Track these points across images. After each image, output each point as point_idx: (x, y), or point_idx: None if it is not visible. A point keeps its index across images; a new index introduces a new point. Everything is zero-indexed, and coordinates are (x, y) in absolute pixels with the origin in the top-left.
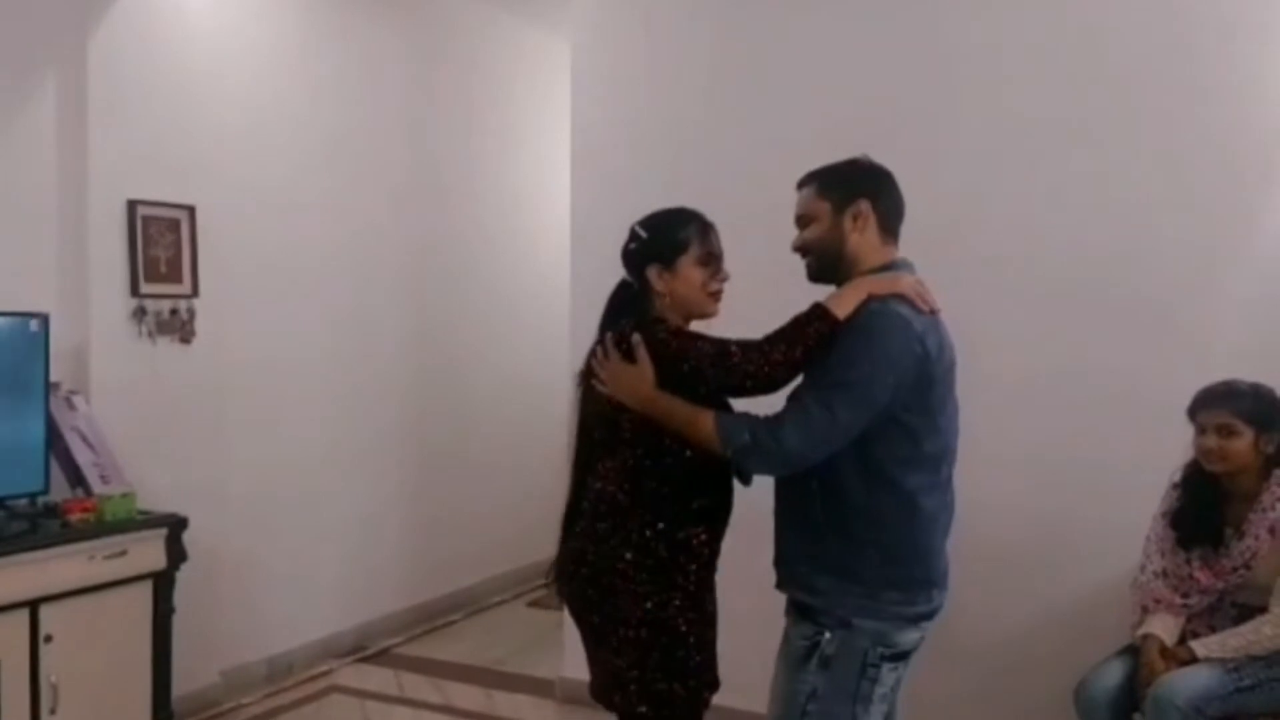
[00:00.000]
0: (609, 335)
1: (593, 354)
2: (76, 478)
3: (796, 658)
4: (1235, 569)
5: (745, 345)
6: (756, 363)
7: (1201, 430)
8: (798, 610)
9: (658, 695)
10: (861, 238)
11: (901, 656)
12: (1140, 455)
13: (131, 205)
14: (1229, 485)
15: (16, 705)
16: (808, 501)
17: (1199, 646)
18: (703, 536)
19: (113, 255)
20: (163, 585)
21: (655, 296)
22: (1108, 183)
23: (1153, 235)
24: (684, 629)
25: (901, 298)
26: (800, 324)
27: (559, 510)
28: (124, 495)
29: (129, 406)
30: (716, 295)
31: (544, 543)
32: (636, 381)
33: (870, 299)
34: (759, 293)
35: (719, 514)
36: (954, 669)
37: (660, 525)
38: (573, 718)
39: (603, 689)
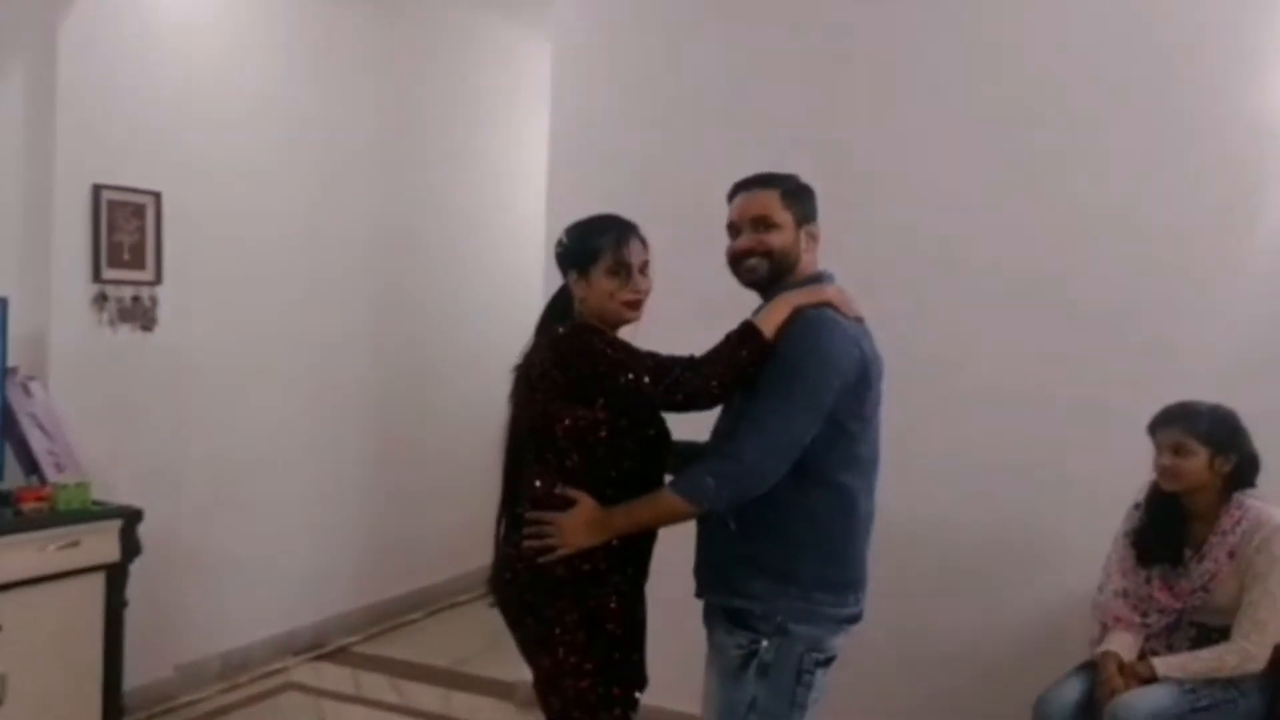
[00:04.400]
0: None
1: (528, 352)
2: (31, 465)
3: (733, 667)
4: (1194, 590)
5: (685, 364)
6: (694, 382)
7: (1158, 449)
8: (730, 618)
9: (596, 698)
10: (809, 255)
11: (830, 661)
12: (1106, 471)
13: (97, 190)
14: (1188, 505)
15: None
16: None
17: (1160, 664)
18: (638, 540)
19: (76, 240)
20: (116, 577)
21: (578, 301)
22: (1075, 194)
23: (1122, 247)
24: (620, 631)
25: (829, 305)
26: (733, 344)
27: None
28: (78, 485)
29: (87, 394)
30: (631, 304)
31: None
32: (584, 521)
33: (799, 309)
34: (738, 295)
35: None
36: (914, 680)
37: None
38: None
39: (540, 691)
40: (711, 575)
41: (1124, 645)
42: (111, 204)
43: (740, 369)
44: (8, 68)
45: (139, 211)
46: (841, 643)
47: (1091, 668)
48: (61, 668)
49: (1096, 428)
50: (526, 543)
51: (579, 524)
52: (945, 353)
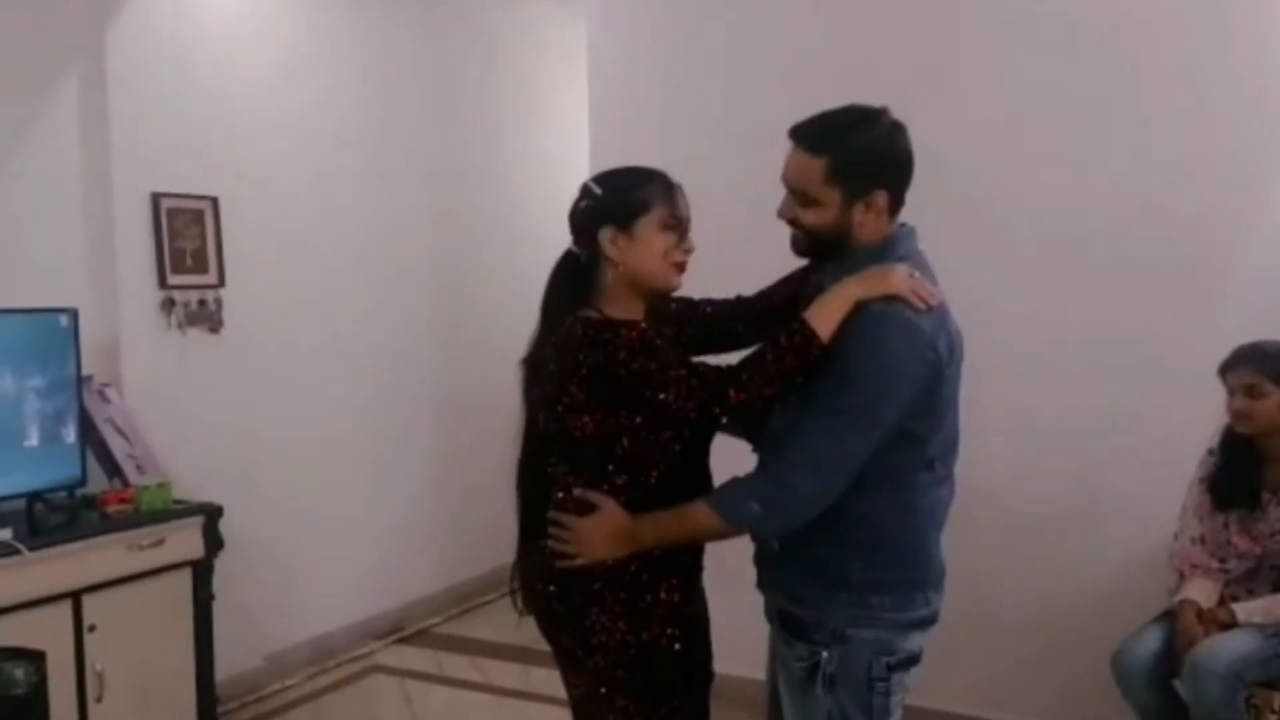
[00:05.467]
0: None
1: (536, 341)
2: (113, 469)
3: (800, 680)
4: (1273, 534)
5: (722, 374)
6: (735, 396)
7: (1230, 391)
8: (787, 626)
9: None
10: (870, 225)
11: (910, 662)
12: (1175, 419)
13: (156, 198)
14: (1263, 447)
15: (64, 694)
16: None
17: (1240, 610)
18: (682, 546)
19: (139, 248)
20: (201, 572)
21: (608, 267)
22: (1130, 139)
23: (1178, 192)
24: (666, 646)
25: (899, 298)
26: (782, 351)
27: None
28: (159, 485)
29: (161, 397)
30: (680, 267)
31: None
32: (607, 531)
33: (863, 303)
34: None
35: None
36: (989, 641)
37: None
38: None
39: (578, 714)
40: (768, 571)
41: (1202, 592)
42: (171, 211)
43: (789, 378)
44: (60, 83)
45: (198, 217)
46: (919, 642)
47: (1170, 617)
48: (155, 662)
49: (1166, 378)
50: (549, 544)
51: (600, 533)
52: (1010, 307)
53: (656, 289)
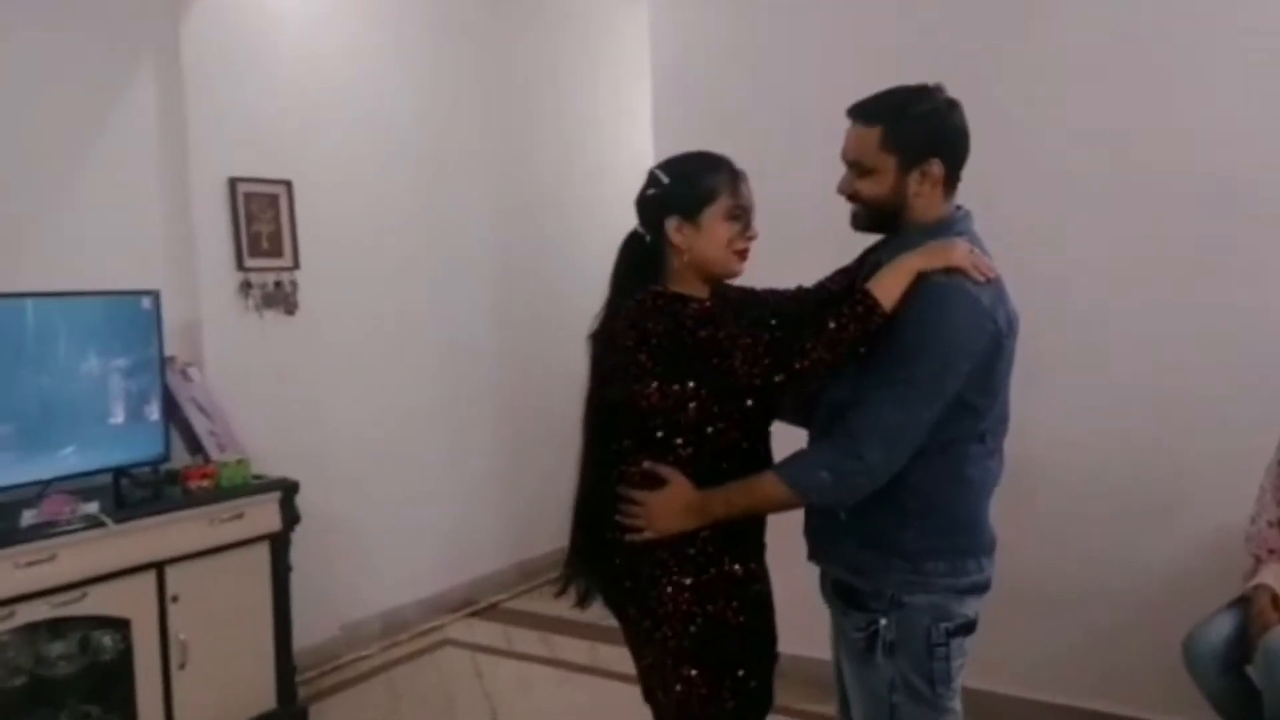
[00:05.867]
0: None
1: (603, 314)
2: (195, 446)
3: (860, 650)
4: None
5: (779, 340)
6: (798, 362)
7: None
8: (843, 597)
9: (704, 696)
10: (927, 198)
11: (967, 628)
12: (1257, 398)
13: (232, 183)
14: None
15: (148, 661)
16: None
17: None
18: (746, 520)
19: (217, 232)
20: (279, 546)
21: (673, 253)
22: (1212, 97)
23: (1262, 155)
24: (732, 620)
25: (958, 270)
26: (845, 319)
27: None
28: (239, 461)
29: (240, 376)
30: (743, 254)
31: None
32: (677, 504)
33: (925, 275)
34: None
35: None
36: (1057, 622)
37: None
38: None
39: (647, 686)
40: (820, 542)
41: (1278, 578)
42: (247, 196)
43: (850, 346)
44: (138, 73)
45: (273, 201)
46: (976, 608)
47: (1244, 603)
48: (236, 632)
49: (1250, 355)
50: (617, 519)
51: (670, 507)
52: (1079, 276)
53: (720, 274)
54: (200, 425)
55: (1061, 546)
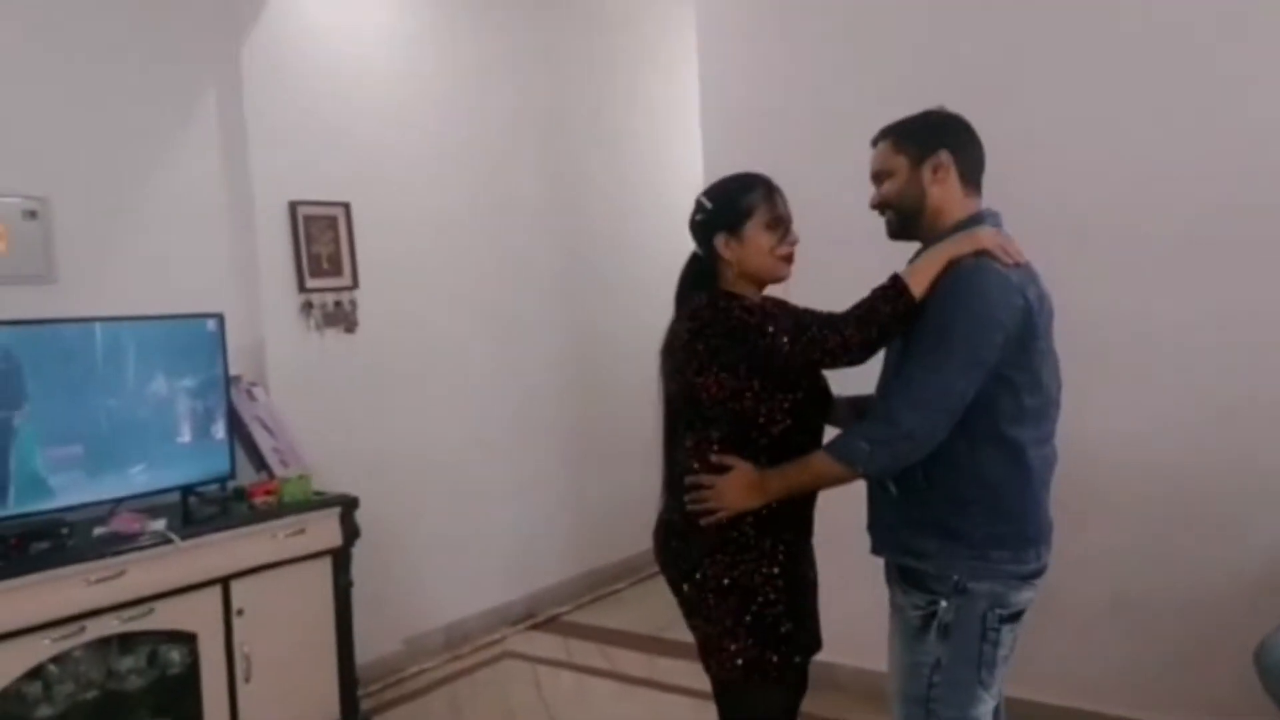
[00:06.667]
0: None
1: (672, 331)
2: (260, 463)
3: (913, 629)
4: None
5: (822, 321)
6: (833, 339)
7: None
8: (906, 578)
9: (750, 662)
10: (943, 190)
11: (1017, 617)
12: None
13: (293, 206)
14: None
15: (214, 674)
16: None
17: None
18: (789, 503)
19: (280, 254)
20: (340, 560)
21: (724, 266)
22: (1261, 84)
23: None
24: (773, 596)
25: (986, 253)
26: (876, 301)
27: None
28: (301, 477)
29: (302, 394)
30: (787, 258)
31: None
32: (741, 484)
33: (955, 261)
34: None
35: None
36: (1124, 630)
37: None
38: None
39: (701, 655)
40: (883, 534)
41: None
42: (307, 218)
43: (884, 326)
44: (201, 101)
45: (332, 223)
46: (1029, 596)
47: None
48: (299, 645)
49: None
50: (689, 506)
51: (736, 487)
52: (1148, 281)
53: (769, 279)
54: (264, 442)
55: (1129, 555)
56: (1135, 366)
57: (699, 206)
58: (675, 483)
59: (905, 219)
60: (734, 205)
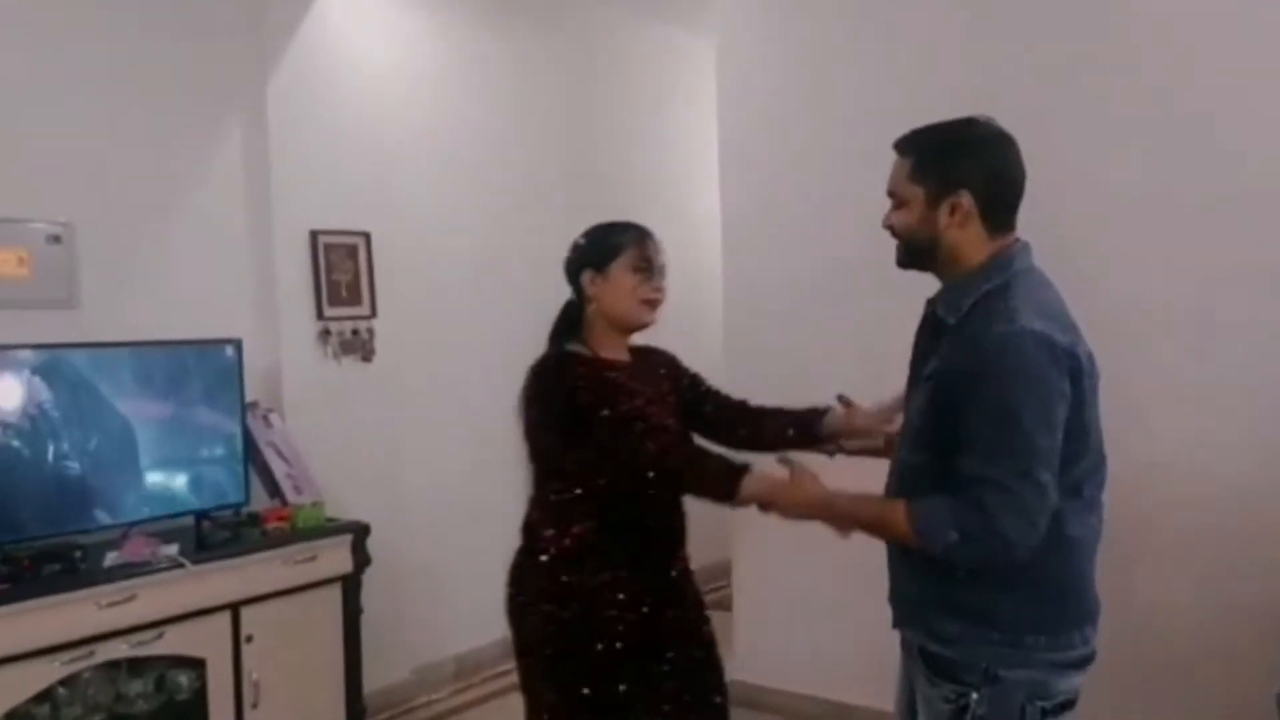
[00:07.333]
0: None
1: (533, 373)
2: (274, 489)
3: None
4: None
5: (659, 442)
6: (648, 454)
7: None
8: (930, 665)
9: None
10: (960, 234)
11: (1066, 706)
12: None
13: (313, 235)
14: None
15: (221, 701)
16: None
17: None
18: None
19: (299, 282)
20: (350, 587)
21: (587, 303)
22: None
23: None
24: (586, 628)
25: (1027, 309)
26: (717, 476)
27: (725, 514)
28: (314, 504)
29: (317, 421)
30: (651, 304)
31: (719, 543)
32: (799, 496)
33: (1001, 320)
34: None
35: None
36: (1138, 666)
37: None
38: (743, 719)
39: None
40: (906, 610)
41: None
42: (327, 247)
43: (689, 487)
44: (226, 131)
45: (352, 252)
46: (1078, 683)
47: None
48: (307, 672)
49: None
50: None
51: (794, 496)
52: (1202, 292)
53: (629, 323)
54: (279, 469)
55: (1154, 583)
56: (1175, 381)
57: (573, 245)
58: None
59: (914, 255)
60: (604, 243)
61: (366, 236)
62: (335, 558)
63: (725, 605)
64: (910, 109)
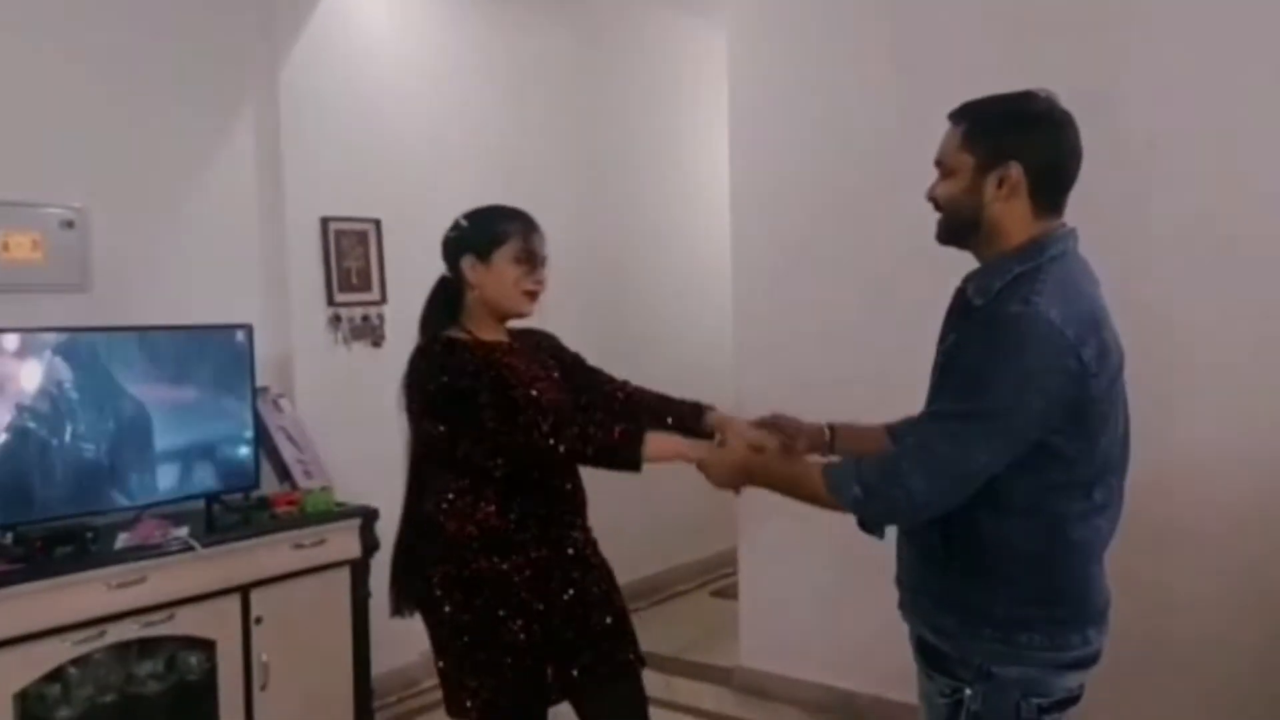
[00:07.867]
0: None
1: (412, 361)
2: (284, 473)
3: (942, 718)
4: None
5: (540, 410)
6: (539, 436)
7: None
8: (928, 658)
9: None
10: (1006, 208)
11: (1066, 703)
12: None
13: (324, 222)
14: None
15: (231, 682)
16: (925, 526)
17: None
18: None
19: (310, 269)
20: (358, 571)
21: (468, 290)
22: None
23: None
24: (475, 616)
25: (1049, 293)
26: (611, 444)
27: (733, 500)
28: (323, 489)
29: (327, 406)
30: (531, 295)
31: (727, 532)
32: (726, 463)
33: (1016, 300)
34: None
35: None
36: (1168, 676)
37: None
38: (749, 706)
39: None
40: (906, 596)
41: None
42: (338, 233)
43: (591, 460)
44: (238, 117)
45: (363, 238)
46: (1077, 682)
47: None
48: (316, 655)
49: None
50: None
51: (721, 464)
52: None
53: (508, 312)
54: (289, 454)
55: (1167, 592)
56: (1201, 391)
57: (454, 224)
58: (409, 511)
59: (955, 228)
60: (488, 230)
61: (377, 223)
62: (344, 542)
63: (731, 593)
64: (923, 95)
